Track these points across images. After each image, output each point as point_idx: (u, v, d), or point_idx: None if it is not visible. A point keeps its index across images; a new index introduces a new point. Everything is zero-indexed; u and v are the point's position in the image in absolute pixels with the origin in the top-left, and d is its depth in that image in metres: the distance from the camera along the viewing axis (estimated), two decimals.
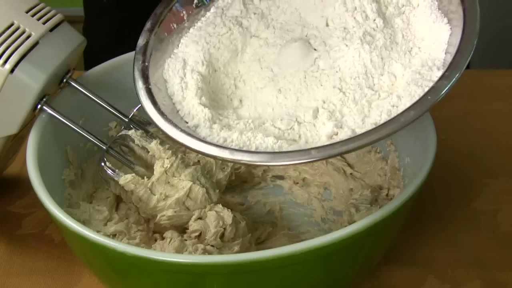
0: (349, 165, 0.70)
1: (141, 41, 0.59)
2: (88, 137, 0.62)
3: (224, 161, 0.51)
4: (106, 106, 0.64)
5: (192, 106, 0.55)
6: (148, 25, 0.60)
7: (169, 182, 0.62)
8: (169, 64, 0.58)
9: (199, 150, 0.51)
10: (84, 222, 0.59)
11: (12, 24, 0.58)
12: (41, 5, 0.61)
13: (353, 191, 0.68)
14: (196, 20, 0.60)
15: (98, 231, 0.57)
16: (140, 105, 0.66)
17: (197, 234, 0.61)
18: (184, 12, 0.60)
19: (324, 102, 0.53)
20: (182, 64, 0.57)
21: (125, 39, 0.66)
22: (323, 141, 0.51)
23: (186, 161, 0.64)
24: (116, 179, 0.61)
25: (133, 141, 0.64)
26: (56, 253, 0.66)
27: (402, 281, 0.63)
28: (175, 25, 0.60)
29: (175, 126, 0.53)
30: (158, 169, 0.62)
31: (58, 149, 0.63)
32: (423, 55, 0.53)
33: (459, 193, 0.72)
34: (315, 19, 0.57)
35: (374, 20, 0.55)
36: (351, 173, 0.70)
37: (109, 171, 0.62)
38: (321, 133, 0.51)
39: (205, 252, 0.60)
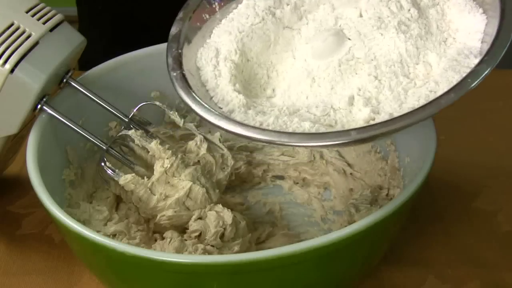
0: (349, 165, 0.70)
1: (174, 30, 0.59)
2: (88, 137, 0.62)
3: (261, 142, 0.51)
4: (106, 106, 0.64)
5: (226, 93, 0.55)
6: (180, 14, 0.60)
7: (169, 182, 0.62)
8: (202, 53, 0.58)
9: (236, 132, 0.51)
10: (84, 222, 0.59)
11: (12, 24, 0.58)
12: (41, 5, 0.61)
13: (353, 191, 0.68)
14: (227, 12, 0.61)
15: (98, 231, 0.57)
16: (140, 105, 0.66)
17: (197, 234, 0.61)
18: (216, 4, 0.61)
19: (359, 90, 0.53)
20: (215, 53, 0.58)
21: (118, 43, 0.66)
22: (361, 125, 0.51)
23: (186, 161, 0.64)
24: (116, 179, 0.61)
25: (133, 141, 0.64)
26: (56, 253, 0.66)
27: (402, 281, 0.63)
28: (207, 16, 0.60)
29: (211, 110, 0.53)
30: (158, 169, 0.62)
31: (58, 149, 0.63)
32: (458, 45, 0.53)
33: (459, 193, 0.72)
34: (348, 10, 0.57)
35: (409, 10, 0.55)
36: (351, 173, 0.70)
37: (109, 171, 0.62)
38: (357, 118, 0.51)
39: (205, 252, 0.60)
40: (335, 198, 0.70)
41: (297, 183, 0.73)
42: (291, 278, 0.52)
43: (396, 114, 0.50)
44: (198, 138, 0.67)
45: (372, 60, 0.54)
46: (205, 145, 0.67)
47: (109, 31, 0.77)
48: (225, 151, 0.68)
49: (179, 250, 0.59)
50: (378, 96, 0.52)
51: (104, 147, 0.62)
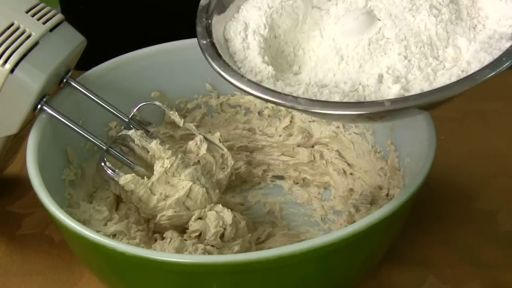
0: (349, 165, 0.70)
1: (203, 1, 0.59)
2: (88, 137, 0.62)
3: (296, 110, 0.51)
4: (106, 106, 0.64)
5: (255, 64, 0.55)
6: None
7: (169, 182, 0.62)
8: (230, 26, 0.58)
9: (270, 99, 0.51)
10: (84, 222, 0.59)
11: (12, 24, 0.58)
12: (41, 5, 0.61)
13: (353, 191, 0.68)
14: None
15: (98, 231, 0.57)
16: (140, 105, 0.66)
17: (197, 234, 0.61)
18: None
19: (388, 69, 0.53)
20: (243, 27, 0.58)
21: (104, 44, 0.66)
22: None
23: (186, 161, 0.64)
24: (116, 179, 0.61)
25: (133, 141, 0.64)
26: (56, 253, 0.66)
27: (402, 281, 0.63)
28: None
29: (243, 76, 0.53)
30: (158, 169, 0.62)
31: (58, 149, 0.63)
32: (488, 32, 0.53)
33: (459, 193, 0.72)
34: None
35: None
36: (351, 173, 0.70)
37: (109, 171, 0.62)
38: (387, 95, 0.51)
39: (205, 252, 0.60)
40: (335, 198, 0.70)
41: (297, 183, 0.73)
42: (291, 278, 0.52)
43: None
44: (198, 138, 0.67)
45: (402, 40, 0.54)
46: (205, 145, 0.67)
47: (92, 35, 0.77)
48: (225, 151, 0.68)
49: (179, 250, 0.59)
50: (407, 75, 0.52)
51: (104, 147, 0.62)
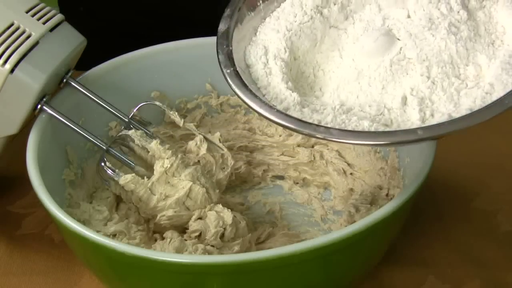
0: (349, 165, 0.70)
1: (222, 27, 0.59)
2: (88, 137, 0.62)
3: (327, 140, 0.51)
4: (106, 106, 0.64)
5: (280, 91, 0.55)
6: (227, 11, 0.60)
7: (169, 182, 0.62)
8: (250, 51, 0.58)
9: (301, 130, 0.51)
10: (84, 222, 0.59)
11: (12, 24, 0.58)
12: (41, 5, 0.61)
13: (353, 191, 0.68)
14: (270, 10, 0.61)
15: (98, 231, 0.57)
16: (140, 105, 0.66)
17: (197, 234, 0.61)
18: (260, 1, 0.61)
19: (412, 90, 0.53)
20: (263, 51, 0.58)
21: (104, 45, 0.66)
22: (418, 125, 0.51)
23: (186, 161, 0.64)
24: (116, 179, 0.61)
25: (133, 141, 0.64)
26: (56, 253, 0.66)
27: (402, 281, 0.63)
28: (252, 14, 0.60)
29: (271, 107, 0.52)
30: (158, 169, 0.62)
31: (58, 149, 0.63)
32: (507, 47, 0.53)
33: (459, 193, 0.72)
34: (396, 11, 0.57)
35: (458, 12, 0.55)
36: (351, 173, 0.70)
37: (109, 171, 0.62)
38: (413, 118, 0.52)
39: (205, 252, 0.60)
40: (335, 198, 0.70)
41: (297, 183, 0.73)
42: (291, 278, 0.52)
43: (454, 115, 0.50)
44: (198, 138, 0.67)
45: (424, 60, 0.54)
46: (205, 145, 0.67)
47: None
48: (225, 151, 0.68)
49: (179, 250, 0.59)
50: (431, 96, 0.52)
51: (104, 147, 0.62)
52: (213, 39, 0.60)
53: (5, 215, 0.70)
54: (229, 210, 0.63)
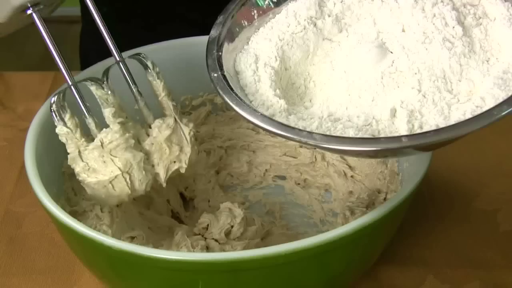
0: (350, 167, 0.70)
1: (214, 33, 0.58)
2: (59, 63, 0.58)
3: (311, 146, 0.50)
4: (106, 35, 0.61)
5: (267, 98, 0.54)
6: (220, 18, 0.59)
7: (103, 156, 0.58)
8: (241, 58, 0.58)
9: (285, 134, 0.50)
10: (81, 215, 0.60)
11: None
12: None
13: (352, 193, 0.68)
14: (265, 21, 0.61)
15: (95, 228, 0.57)
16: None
17: (204, 225, 0.62)
18: (255, 11, 0.61)
19: (402, 102, 0.52)
20: (254, 59, 0.57)
21: (124, 48, 0.65)
22: None
23: (130, 142, 0.59)
24: (55, 124, 0.58)
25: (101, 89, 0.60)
26: (56, 253, 0.66)
27: (401, 281, 0.64)
28: (245, 23, 0.60)
29: (255, 111, 0.52)
30: (97, 137, 0.58)
31: (59, 142, 0.63)
32: (502, 65, 0.53)
33: (459, 193, 0.72)
34: (391, 25, 0.57)
35: (453, 27, 0.55)
36: (351, 176, 0.70)
37: (53, 114, 0.58)
38: (401, 130, 0.51)
39: (206, 247, 0.60)
40: (335, 200, 0.70)
41: (299, 183, 0.73)
42: (286, 277, 0.52)
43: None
44: (167, 120, 0.62)
45: (415, 73, 0.53)
46: (167, 132, 0.61)
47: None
48: (189, 149, 0.62)
49: (178, 244, 0.59)
50: (421, 109, 0.52)
51: (70, 83, 0.58)
52: None
53: (6, 214, 0.70)
54: (243, 209, 0.62)
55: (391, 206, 0.52)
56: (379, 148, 0.49)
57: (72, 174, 0.63)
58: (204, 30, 0.64)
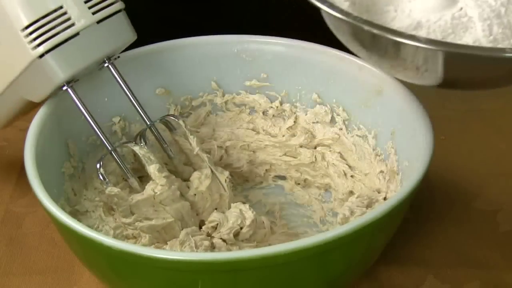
0: (350, 167, 0.70)
1: None
2: (98, 132, 0.61)
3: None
4: (134, 103, 0.64)
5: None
6: None
7: (153, 206, 0.62)
8: None
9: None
10: (82, 215, 0.60)
11: (60, 7, 0.56)
12: None
13: (352, 193, 0.68)
14: None
15: (97, 228, 0.57)
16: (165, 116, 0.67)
17: (214, 224, 0.62)
18: None
19: (474, 42, 0.53)
20: None
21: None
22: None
23: (178, 194, 0.63)
24: (104, 186, 0.61)
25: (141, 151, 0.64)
26: (56, 253, 0.66)
27: (401, 281, 0.63)
28: None
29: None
30: (148, 190, 0.62)
31: (59, 142, 0.63)
32: None
33: (459, 193, 0.72)
34: None
35: None
36: (351, 176, 0.70)
37: (100, 176, 0.61)
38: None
39: (212, 246, 0.60)
40: (335, 200, 0.70)
41: (299, 183, 0.73)
42: (286, 277, 0.52)
43: None
44: (204, 172, 0.66)
45: (485, 19, 0.54)
46: (207, 182, 0.66)
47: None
48: (227, 193, 0.67)
49: (182, 243, 0.59)
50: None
51: (109, 148, 0.62)
52: (219, 38, 0.60)
53: (6, 214, 0.70)
54: (254, 212, 0.63)
55: (391, 205, 0.52)
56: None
57: (72, 175, 0.63)
58: (201, 33, 0.64)
